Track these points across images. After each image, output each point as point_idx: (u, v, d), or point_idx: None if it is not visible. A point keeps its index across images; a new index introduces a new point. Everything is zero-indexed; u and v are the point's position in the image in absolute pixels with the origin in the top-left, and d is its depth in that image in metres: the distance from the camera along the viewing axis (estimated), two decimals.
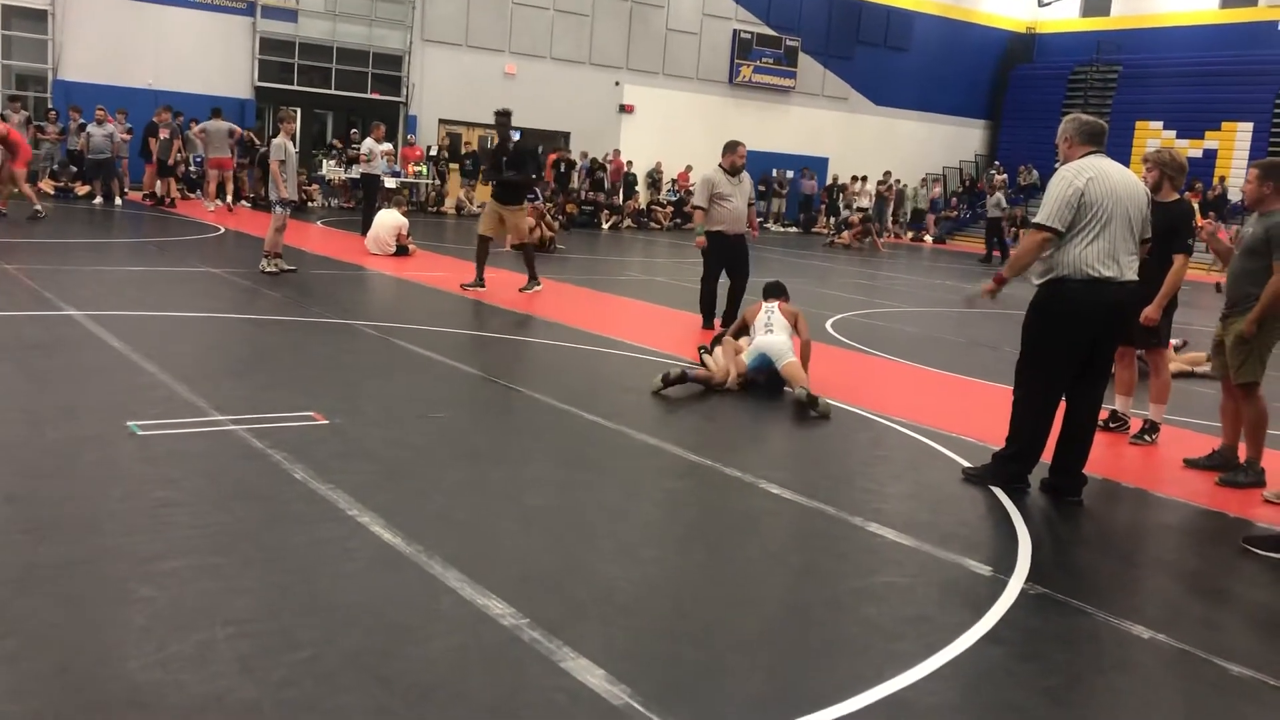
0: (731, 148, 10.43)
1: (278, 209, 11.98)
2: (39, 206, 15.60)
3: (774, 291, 8.38)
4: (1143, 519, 5.79)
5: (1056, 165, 5.88)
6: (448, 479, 5.25)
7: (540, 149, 13.28)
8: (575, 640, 3.50)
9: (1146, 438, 7.14)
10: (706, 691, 3.29)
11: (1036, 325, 5.70)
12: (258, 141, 21.61)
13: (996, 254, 23.82)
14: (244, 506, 4.59)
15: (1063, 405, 5.78)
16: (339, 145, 24.45)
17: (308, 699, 3.04)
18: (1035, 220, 5.63)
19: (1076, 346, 5.58)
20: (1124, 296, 5.59)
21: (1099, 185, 5.46)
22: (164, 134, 20.17)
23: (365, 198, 17.70)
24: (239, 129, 21.01)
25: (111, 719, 2.86)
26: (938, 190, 33.19)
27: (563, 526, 4.74)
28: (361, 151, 18.02)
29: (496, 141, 12.70)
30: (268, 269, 11.87)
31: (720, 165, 10.40)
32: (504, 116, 12.51)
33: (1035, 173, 32.02)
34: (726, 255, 10.46)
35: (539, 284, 12.37)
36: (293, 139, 12.43)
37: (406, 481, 5.16)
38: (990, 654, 3.74)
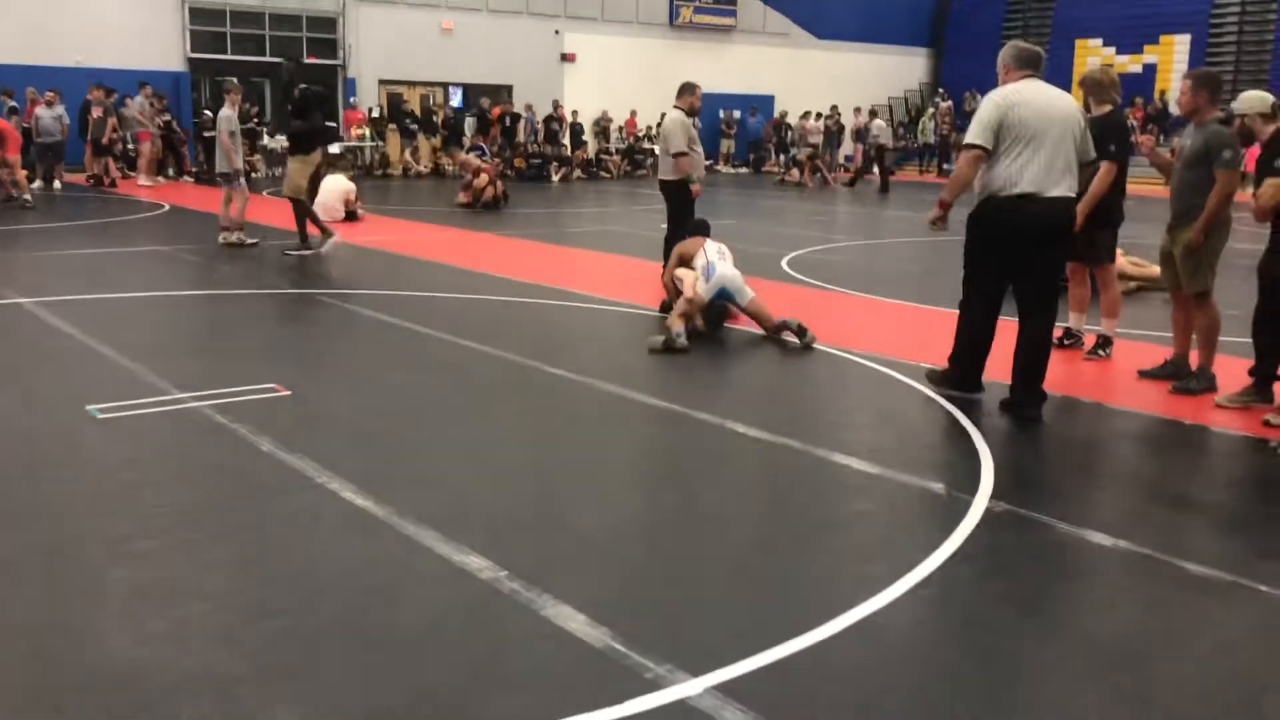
0: (690, 89, 9.92)
1: (238, 181, 11.95)
2: (27, 195, 15.78)
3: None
4: (1100, 431, 5.91)
5: None
6: (415, 441, 5.26)
7: (323, 93, 12.55)
8: (554, 588, 3.54)
9: (1100, 352, 7.27)
10: (686, 628, 3.35)
11: (970, 239, 5.97)
12: (152, 108, 20.82)
13: (870, 176, 23.58)
14: (212, 482, 4.58)
15: (1017, 328, 5.89)
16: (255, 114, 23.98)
17: (292, 666, 3.07)
18: (965, 141, 5.89)
19: (1007, 259, 5.81)
20: (1055, 212, 5.71)
21: (1023, 108, 5.67)
22: (97, 112, 19.70)
23: None
24: (148, 102, 20.44)
25: (98, 699, 2.87)
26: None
27: (534, 479, 4.78)
28: None
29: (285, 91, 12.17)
30: (237, 240, 11.77)
31: (678, 107, 10.02)
32: (290, 62, 12.21)
33: (980, 99, 32.01)
34: (693, 202, 10.14)
35: (309, 249, 11.63)
36: (238, 110, 12.29)
37: (374, 446, 5.16)
38: (959, 572, 3.83)
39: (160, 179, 20.30)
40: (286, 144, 12.20)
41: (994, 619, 3.51)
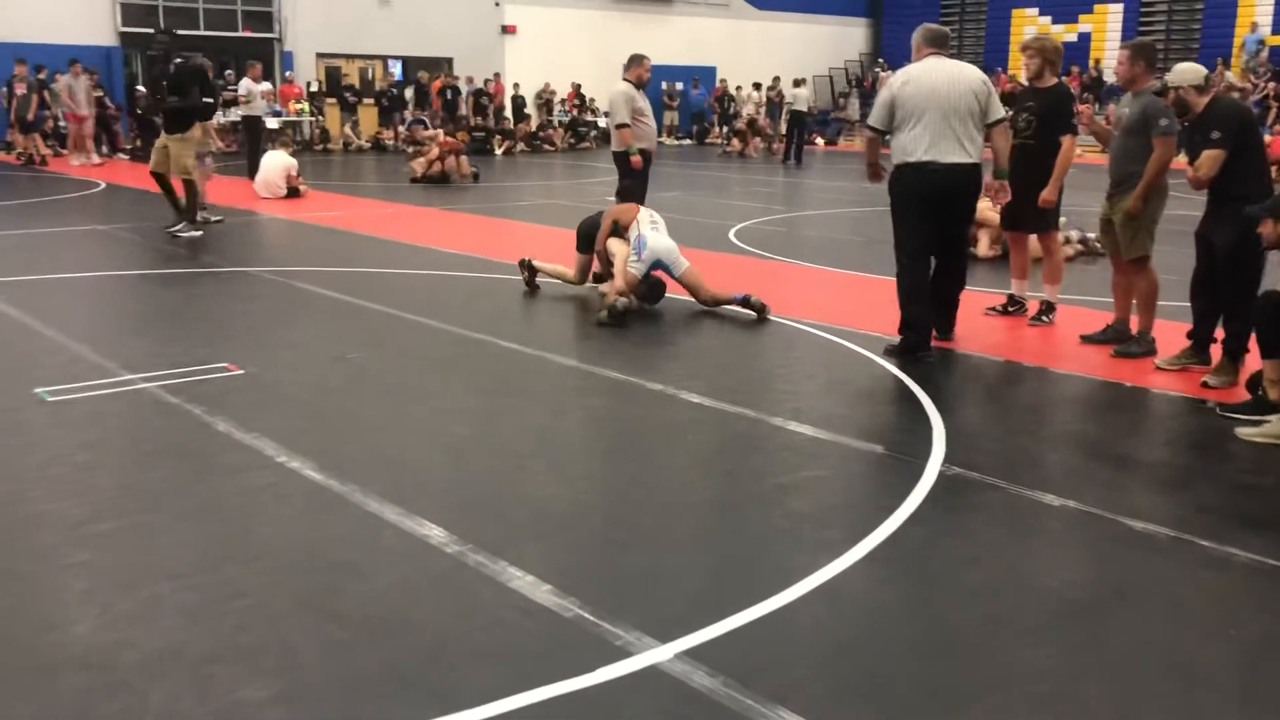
0: (638, 60, 9.76)
1: (207, 160, 11.92)
2: None
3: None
4: (1046, 395, 6.06)
5: None
6: (372, 417, 5.25)
7: (201, 68, 11.35)
8: (519, 560, 3.58)
9: (1044, 318, 7.42)
10: (652, 595, 3.41)
11: (891, 206, 6.56)
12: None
13: (812, 146, 23.18)
14: (169, 463, 4.55)
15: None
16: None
17: (263, 643, 3.08)
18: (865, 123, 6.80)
19: (921, 220, 6.41)
20: (951, 176, 6.28)
21: (912, 85, 6.30)
22: (20, 90, 19.20)
23: (249, 140, 17.21)
24: (81, 80, 19.82)
25: (68, 681, 2.86)
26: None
27: (492, 453, 4.80)
28: (240, 93, 17.42)
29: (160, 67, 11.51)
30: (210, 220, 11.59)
31: (627, 79, 9.62)
32: (163, 35, 11.82)
33: None
34: (647, 175, 9.76)
35: (198, 230, 11.08)
36: None
37: (331, 424, 5.15)
38: (913, 534, 3.93)
39: (95, 157, 19.86)
40: (161, 122, 11.33)
41: (949, 579, 3.61)
